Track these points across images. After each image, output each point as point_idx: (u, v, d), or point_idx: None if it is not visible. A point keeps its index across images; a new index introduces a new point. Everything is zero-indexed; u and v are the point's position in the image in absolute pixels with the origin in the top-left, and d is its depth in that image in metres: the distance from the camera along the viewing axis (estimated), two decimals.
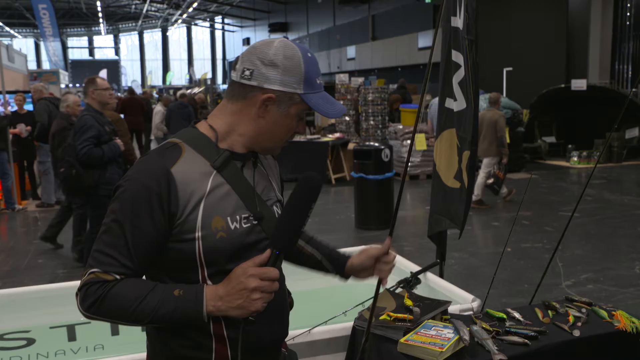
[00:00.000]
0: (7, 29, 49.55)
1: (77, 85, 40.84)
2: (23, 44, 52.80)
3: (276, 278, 1.37)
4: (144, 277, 1.46)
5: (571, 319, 2.24)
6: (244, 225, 1.45)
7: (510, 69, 14.68)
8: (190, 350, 1.44)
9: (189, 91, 19.82)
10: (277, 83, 1.43)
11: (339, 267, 1.75)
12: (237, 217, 1.44)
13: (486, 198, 8.75)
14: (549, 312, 2.33)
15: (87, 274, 1.38)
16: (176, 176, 1.38)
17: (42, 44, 43.28)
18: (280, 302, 1.55)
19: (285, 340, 1.69)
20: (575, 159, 12.51)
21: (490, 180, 8.74)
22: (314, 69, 1.47)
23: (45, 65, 43.22)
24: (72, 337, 3.23)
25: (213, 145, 1.47)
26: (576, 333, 2.14)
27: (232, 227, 1.43)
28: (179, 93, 14.74)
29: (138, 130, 14.45)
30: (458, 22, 3.19)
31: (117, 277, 1.37)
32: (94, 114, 5.10)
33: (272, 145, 1.52)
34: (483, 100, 11.53)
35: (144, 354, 2.44)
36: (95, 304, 1.36)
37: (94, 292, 1.36)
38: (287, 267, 1.64)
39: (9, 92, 10.50)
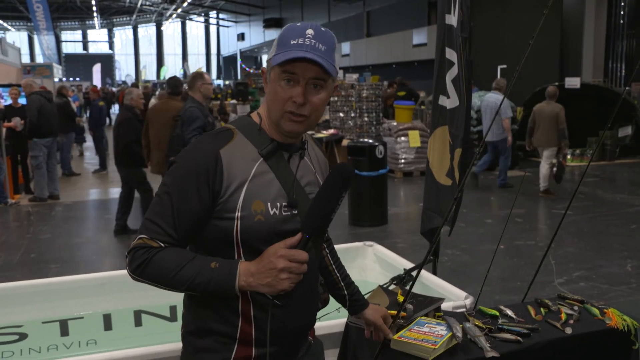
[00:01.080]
0: (0, 21, 49.24)
1: (71, 79, 40.66)
2: (16, 37, 52.51)
3: (305, 261, 1.43)
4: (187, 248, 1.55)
5: (563, 316, 2.25)
6: (284, 213, 1.52)
7: (505, 66, 14.71)
8: (218, 324, 1.53)
9: (183, 86, 19.72)
10: (268, 57, 1.55)
11: (355, 309, 1.96)
12: (278, 204, 1.52)
13: (551, 187, 9.20)
14: (542, 309, 2.34)
15: (137, 238, 1.49)
16: (224, 157, 1.48)
17: (35, 38, 43.06)
18: (308, 293, 1.61)
19: None
20: (569, 156, 12.56)
21: (554, 169, 9.27)
22: (292, 33, 1.49)
23: (39, 59, 42.99)
24: (64, 332, 3.23)
25: (263, 133, 1.56)
26: (568, 331, 2.15)
27: (271, 212, 1.50)
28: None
29: None
30: (452, 19, 3.19)
31: (162, 244, 1.47)
32: (198, 106, 5.40)
33: (274, 119, 1.54)
34: (477, 98, 11.56)
35: (137, 349, 2.45)
36: (140, 267, 1.46)
37: (140, 256, 1.46)
38: None
39: (2, 86, 10.44)
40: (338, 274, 1.92)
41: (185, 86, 7.74)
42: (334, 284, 1.92)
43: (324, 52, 1.48)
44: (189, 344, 1.60)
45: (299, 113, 1.50)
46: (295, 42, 1.47)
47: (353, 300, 1.93)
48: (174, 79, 7.35)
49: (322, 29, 1.52)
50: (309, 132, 1.67)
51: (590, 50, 17.24)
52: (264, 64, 1.63)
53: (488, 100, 9.63)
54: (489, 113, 9.50)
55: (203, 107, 5.50)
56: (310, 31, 1.49)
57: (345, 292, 1.92)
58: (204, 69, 49.21)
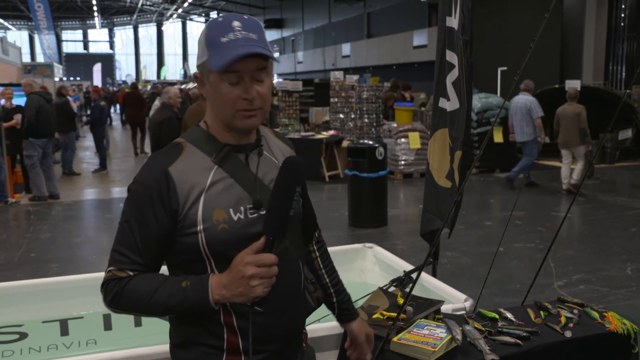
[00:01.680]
0: (1, 21, 49.28)
1: (72, 78, 40.66)
2: (17, 36, 52.55)
3: (273, 263, 1.40)
4: (160, 270, 1.53)
5: (563, 319, 2.25)
6: (250, 216, 1.48)
7: (505, 68, 14.73)
8: (204, 337, 1.51)
9: (183, 86, 19.82)
10: (198, 61, 1.50)
11: (343, 319, 1.85)
12: (242, 207, 1.48)
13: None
14: (541, 312, 2.35)
15: (107, 271, 1.48)
16: (174, 174, 1.45)
17: (36, 37, 43.06)
18: (290, 295, 1.57)
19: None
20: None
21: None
22: (220, 30, 1.43)
23: (40, 58, 43.01)
24: (64, 331, 3.23)
25: (213, 140, 1.51)
26: (568, 334, 2.16)
27: (235, 218, 1.46)
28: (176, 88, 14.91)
29: (140, 124, 14.84)
30: (453, 22, 3.19)
31: (131, 273, 1.46)
32: None
33: (227, 120, 1.49)
34: (477, 100, 11.57)
35: (137, 350, 2.45)
36: (115, 299, 1.46)
37: (112, 289, 1.46)
38: None
39: (2, 85, 10.44)
40: (327, 279, 1.83)
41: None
42: (323, 290, 1.82)
43: (258, 40, 1.44)
44: (176, 357, 1.58)
45: (252, 108, 1.47)
46: (226, 39, 1.41)
47: (342, 309, 1.84)
48: None
49: (245, 16, 1.48)
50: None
51: (591, 53, 17.24)
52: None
53: (517, 101, 9.77)
54: (519, 114, 9.63)
55: None
56: (237, 23, 1.44)
57: (335, 299, 1.83)
58: None
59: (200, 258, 1.47)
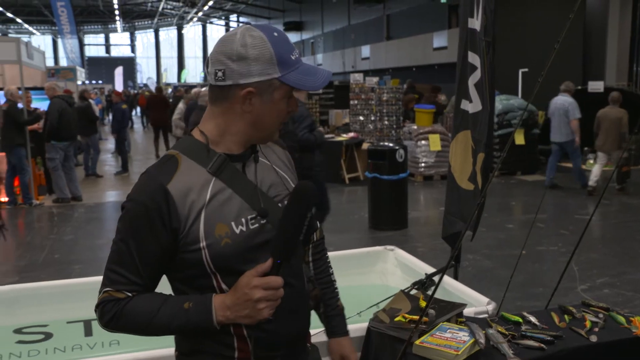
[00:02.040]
0: (26, 26, 50.11)
1: (94, 82, 41.19)
2: (41, 40, 53.38)
3: (280, 286, 1.38)
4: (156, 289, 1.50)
5: (588, 324, 2.23)
6: (252, 227, 1.45)
7: (526, 69, 14.58)
8: (213, 345, 1.48)
9: (203, 89, 19.94)
10: (251, 75, 1.40)
11: (327, 332, 1.85)
12: (243, 219, 1.45)
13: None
14: (566, 316, 2.32)
15: (101, 292, 1.44)
16: (173, 192, 1.40)
17: (59, 41, 43.69)
18: (296, 299, 1.55)
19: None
20: (592, 161, 12.39)
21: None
22: (285, 47, 1.43)
23: (63, 62, 43.66)
24: (88, 332, 3.27)
25: (213, 153, 1.47)
26: (593, 339, 2.13)
27: (238, 231, 1.43)
28: (195, 90, 15.02)
29: (163, 127, 14.99)
30: (475, 23, 3.17)
31: (129, 294, 1.42)
32: (304, 105, 5.94)
33: (268, 134, 1.51)
34: (498, 102, 11.48)
35: (159, 351, 2.47)
36: (112, 320, 1.42)
37: (109, 310, 1.42)
38: None
39: (27, 88, 10.60)
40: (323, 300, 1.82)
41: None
42: (316, 306, 1.82)
43: None
44: None
45: None
46: (294, 57, 1.43)
47: (327, 321, 1.83)
48: None
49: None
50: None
51: (614, 54, 17.01)
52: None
53: (556, 102, 9.78)
54: (557, 115, 9.67)
55: (305, 105, 6.03)
56: (290, 40, 1.47)
57: (321, 309, 1.82)
58: None
59: (205, 273, 1.43)
